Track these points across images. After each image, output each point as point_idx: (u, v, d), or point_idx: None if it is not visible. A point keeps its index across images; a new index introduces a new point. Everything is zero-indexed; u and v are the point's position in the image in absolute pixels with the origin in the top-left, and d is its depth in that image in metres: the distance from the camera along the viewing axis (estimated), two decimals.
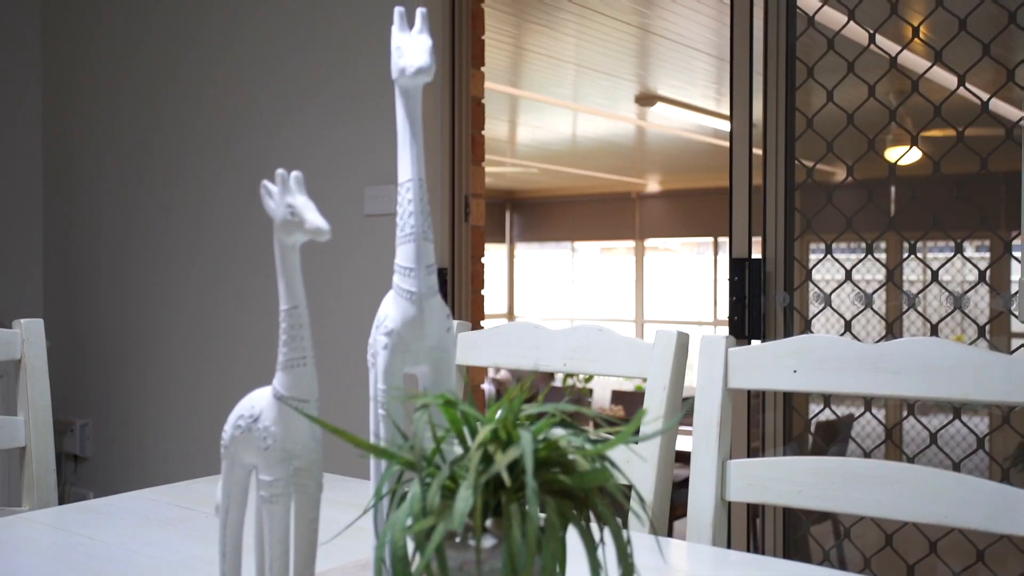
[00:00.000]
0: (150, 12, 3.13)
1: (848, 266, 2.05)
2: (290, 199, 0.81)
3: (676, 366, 1.26)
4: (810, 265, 2.12)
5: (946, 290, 1.94)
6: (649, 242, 9.52)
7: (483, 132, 2.66)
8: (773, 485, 1.18)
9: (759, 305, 2.07)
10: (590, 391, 6.17)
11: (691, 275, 9.54)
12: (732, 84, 2.14)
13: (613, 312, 10.26)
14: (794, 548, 2.16)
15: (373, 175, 2.58)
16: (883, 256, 2.07)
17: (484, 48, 2.67)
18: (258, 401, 0.83)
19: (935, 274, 1.95)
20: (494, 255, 10.33)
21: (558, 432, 0.79)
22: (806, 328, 2.10)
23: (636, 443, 0.78)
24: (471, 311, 2.60)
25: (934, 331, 1.96)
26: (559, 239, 10.31)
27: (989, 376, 1.07)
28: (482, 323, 2.71)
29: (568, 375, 6.34)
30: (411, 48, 0.88)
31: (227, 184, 2.91)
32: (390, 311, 0.90)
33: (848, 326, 2.04)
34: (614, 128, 6.50)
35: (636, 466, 1.26)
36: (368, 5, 2.59)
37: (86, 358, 3.29)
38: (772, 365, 1.20)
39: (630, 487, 0.79)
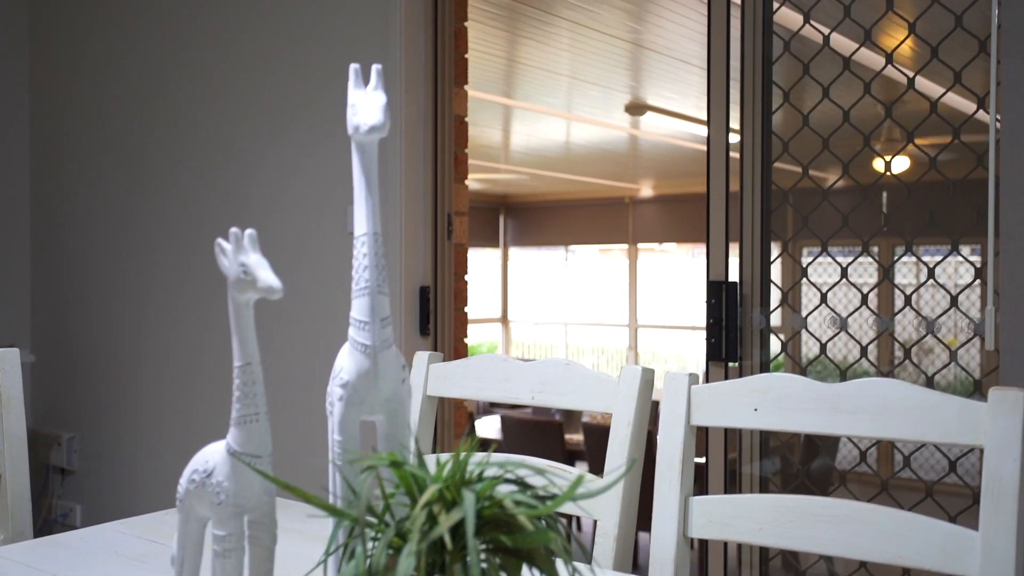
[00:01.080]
0: (138, 30, 3.14)
1: (825, 288, 2.07)
2: (243, 258, 0.83)
3: (640, 403, 1.27)
4: (786, 285, 2.13)
5: (919, 315, 1.96)
6: (645, 243, 9.54)
7: (466, 150, 2.68)
8: (734, 523, 1.19)
9: (736, 327, 2.08)
10: None
11: (686, 277, 9.56)
12: (709, 109, 2.15)
13: (607, 316, 10.28)
14: (780, 559, 2.18)
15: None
16: (863, 269, 2.09)
17: (467, 67, 2.68)
18: (212, 456, 0.84)
19: (908, 299, 1.97)
20: (488, 259, 10.34)
21: (506, 488, 0.81)
22: (783, 351, 2.12)
23: (591, 495, 0.79)
24: (454, 328, 2.61)
25: (907, 355, 1.98)
26: (553, 243, 10.33)
27: (943, 418, 1.09)
28: (466, 339, 2.72)
29: None
30: (365, 105, 0.90)
31: (215, 200, 2.92)
32: (345, 363, 0.91)
33: (823, 349, 2.06)
34: (607, 135, 6.52)
35: (601, 501, 1.27)
36: (355, 23, 2.61)
37: (73, 372, 3.31)
38: (733, 403, 1.22)
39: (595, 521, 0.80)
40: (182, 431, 2.99)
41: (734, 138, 2.12)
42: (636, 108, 5.34)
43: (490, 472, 0.82)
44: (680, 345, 10.03)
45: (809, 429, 1.17)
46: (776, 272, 2.14)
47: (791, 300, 2.13)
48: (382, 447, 0.95)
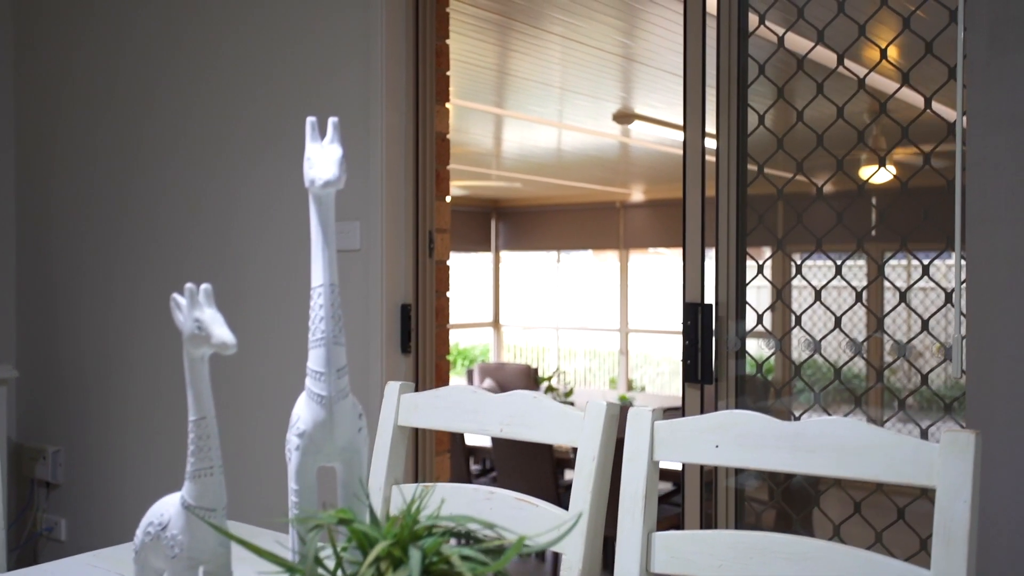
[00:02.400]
0: (127, 45, 3.15)
1: (800, 308, 2.08)
2: (198, 313, 0.84)
3: (605, 438, 1.29)
4: (764, 303, 2.15)
5: (892, 339, 1.98)
6: (636, 248, 9.56)
7: (448, 167, 2.69)
8: (695, 559, 1.21)
9: (711, 349, 2.10)
10: (571, 404, 6.20)
11: (678, 280, 9.58)
12: (685, 122, 2.17)
13: (599, 320, 10.30)
14: None
15: (338, 211, 2.60)
16: (848, 276, 2.11)
17: (449, 84, 2.69)
18: (167, 509, 0.85)
19: (880, 321, 1.99)
20: (480, 263, 10.36)
21: (455, 543, 0.82)
22: (758, 372, 2.13)
23: (537, 549, 0.81)
24: (436, 346, 2.62)
25: (879, 377, 2.00)
26: (544, 248, 10.35)
27: (898, 458, 1.10)
28: (448, 357, 2.73)
29: (548, 389, 6.36)
30: (320, 159, 0.91)
31: (200, 218, 2.93)
32: (302, 413, 0.93)
33: (798, 371, 2.08)
34: (597, 142, 6.54)
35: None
36: (335, 41, 2.62)
37: (58, 385, 3.31)
38: (695, 440, 1.23)
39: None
40: (167, 445, 3.00)
41: (712, 144, 2.14)
42: (624, 117, 5.36)
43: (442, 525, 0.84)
44: (672, 349, 10.07)
45: (768, 467, 1.18)
46: (759, 285, 2.15)
47: (766, 322, 2.15)
48: (340, 494, 0.96)
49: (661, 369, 10.95)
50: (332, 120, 0.92)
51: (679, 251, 2.21)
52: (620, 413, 1.34)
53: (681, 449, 1.24)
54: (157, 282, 3.03)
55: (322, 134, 0.94)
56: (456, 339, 11.87)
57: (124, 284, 3.13)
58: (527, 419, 1.38)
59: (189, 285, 0.84)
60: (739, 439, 1.20)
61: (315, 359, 0.92)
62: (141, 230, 3.08)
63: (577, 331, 10.61)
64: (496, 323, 10.28)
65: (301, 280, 2.66)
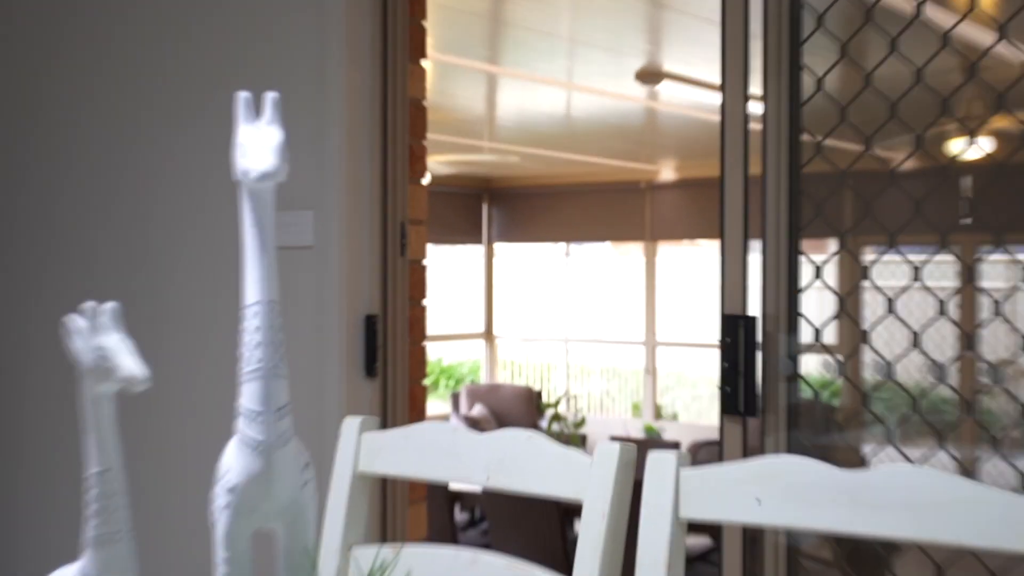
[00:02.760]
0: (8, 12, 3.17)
1: (868, 322, 2.10)
2: (100, 339, 0.84)
3: (618, 489, 1.29)
4: (822, 318, 2.16)
5: (984, 361, 1.99)
6: (665, 239, 9.58)
7: (424, 142, 2.70)
8: None
9: (756, 372, 2.11)
10: (582, 438, 6.23)
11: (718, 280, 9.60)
12: (724, 79, 2.19)
13: (619, 331, 10.32)
14: None
15: (282, 199, 2.61)
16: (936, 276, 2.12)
17: (425, 37, 2.70)
18: None
19: (971, 337, 2.00)
20: (469, 257, 10.37)
21: None
22: (816, 401, 2.15)
23: None
24: (409, 368, 2.63)
25: (969, 407, 2.01)
26: (550, 239, 10.35)
27: (985, 517, 1.11)
28: (425, 380, 2.75)
29: (555, 418, 6.38)
30: (255, 146, 0.91)
31: (108, 216, 2.95)
32: (233, 463, 0.93)
33: (866, 400, 2.09)
34: (617, 107, 6.55)
35: None
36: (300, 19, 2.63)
37: None
38: (732, 492, 1.24)
39: None
40: (71, 498, 3.00)
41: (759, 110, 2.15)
42: (650, 76, 5.37)
43: None
44: (711, 367, 10.08)
45: (823, 527, 1.19)
46: (817, 288, 2.15)
47: (826, 337, 2.16)
48: (281, 564, 0.97)
49: (698, 392, 10.98)
50: (271, 95, 0.93)
51: (718, 243, 2.22)
52: (638, 455, 1.35)
53: (714, 504, 1.25)
54: (55, 296, 3.04)
55: (258, 112, 0.94)
56: (438, 354, 11.90)
57: (13, 298, 3.14)
58: (519, 464, 1.38)
59: (90, 303, 0.85)
60: (787, 491, 1.21)
61: (249, 396, 0.92)
62: (35, 232, 3.10)
63: (592, 344, 10.63)
64: (489, 334, 10.29)
65: (236, 295, 2.67)
